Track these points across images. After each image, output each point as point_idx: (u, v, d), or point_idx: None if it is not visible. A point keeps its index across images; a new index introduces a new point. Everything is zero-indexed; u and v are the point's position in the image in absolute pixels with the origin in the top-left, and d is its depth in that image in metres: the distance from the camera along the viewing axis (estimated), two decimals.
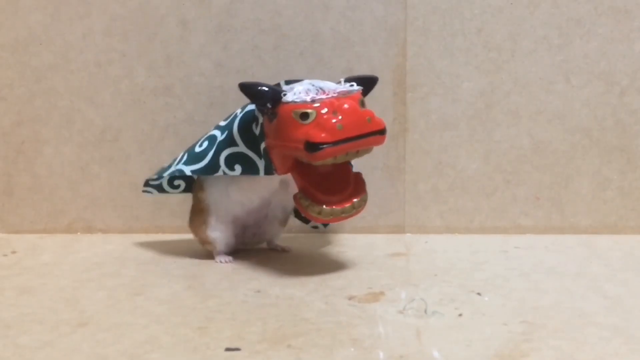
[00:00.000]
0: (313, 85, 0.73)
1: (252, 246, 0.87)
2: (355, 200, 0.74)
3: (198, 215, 0.84)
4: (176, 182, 0.86)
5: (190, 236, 0.92)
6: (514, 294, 0.71)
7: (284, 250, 0.87)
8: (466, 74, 0.91)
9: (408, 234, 0.93)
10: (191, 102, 0.92)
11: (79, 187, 0.94)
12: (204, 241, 0.84)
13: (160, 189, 0.87)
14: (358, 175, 0.77)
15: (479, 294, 0.71)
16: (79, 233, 0.95)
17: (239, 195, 0.81)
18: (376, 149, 0.90)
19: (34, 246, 0.90)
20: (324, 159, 0.70)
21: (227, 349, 0.60)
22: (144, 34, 0.92)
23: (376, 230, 0.93)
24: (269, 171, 0.76)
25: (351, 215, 0.75)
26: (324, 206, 0.73)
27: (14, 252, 0.88)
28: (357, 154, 0.73)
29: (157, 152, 0.93)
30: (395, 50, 0.91)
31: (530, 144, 0.91)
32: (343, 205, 0.74)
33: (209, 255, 0.85)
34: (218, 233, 0.82)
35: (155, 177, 0.85)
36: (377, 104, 0.91)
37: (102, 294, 0.73)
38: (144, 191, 0.88)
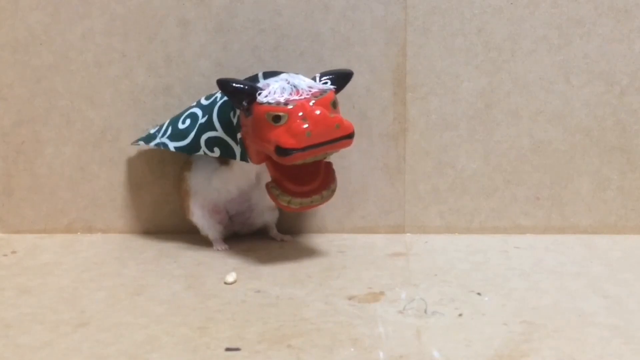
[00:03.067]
0: (288, 83, 0.76)
1: (246, 233, 0.90)
2: (324, 192, 0.78)
3: (183, 197, 0.88)
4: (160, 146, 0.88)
5: (190, 236, 0.92)
6: (514, 294, 0.71)
7: (282, 240, 0.89)
8: (466, 74, 0.91)
9: (408, 234, 0.93)
10: (191, 102, 0.92)
11: (79, 187, 0.94)
12: (192, 223, 0.88)
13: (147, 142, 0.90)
14: (329, 165, 0.79)
15: (479, 294, 0.72)
16: (79, 233, 0.95)
17: (219, 184, 0.85)
18: (376, 149, 0.91)
19: (34, 246, 0.90)
20: (293, 162, 0.74)
21: (227, 349, 0.60)
22: (144, 34, 0.92)
23: (376, 230, 0.93)
24: (244, 157, 0.79)
25: (319, 204, 0.78)
26: (294, 198, 0.77)
27: (14, 252, 0.88)
28: (325, 154, 0.76)
29: (157, 152, 0.93)
30: (395, 50, 0.91)
31: (530, 144, 0.91)
32: (311, 197, 0.77)
33: (209, 255, 0.85)
34: (199, 219, 0.87)
35: (141, 142, 0.89)
36: (377, 104, 0.91)
37: (102, 294, 0.73)
38: (132, 144, 0.91)
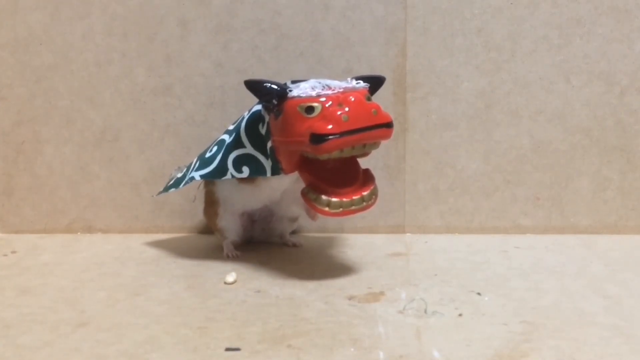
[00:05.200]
0: (319, 83, 0.73)
1: (263, 240, 0.89)
2: (364, 193, 0.73)
3: (210, 205, 0.86)
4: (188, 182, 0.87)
5: (190, 236, 0.92)
6: (514, 294, 0.71)
7: (294, 245, 0.88)
8: (466, 74, 0.91)
9: (408, 234, 0.93)
10: (191, 102, 0.92)
11: (79, 187, 0.94)
12: (216, 229, 0.86)
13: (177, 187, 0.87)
14: (367, 170, 0.76)
15: (479, 294, 0.71)
16: (79, 233, 0.95)
17: (243, 197, 0.83)
18: (376, 149, 0.91)
19: (34, 246, 0.90)
20: (330, 151, 0.70)
21: (227, 349, 0.60)
22: (144, 34, 0.92)
23: (376, 230, 0.93)
24: (275, 171, 0.76)
25: (362, 209, 0.73)
26: (333, 198, 0.72)
27: (14, 252, 0.88)
28: (364, 148, 0.72)
29: (157, 152, 0.93)
30: (395, 50, 0.91)
31: (530, 144, 0.91)
32: (351, 197, 0.72)
33: (209, 255, 0.85)
34: (227, 223, 0.85)
35: (172, 189, 0.85)
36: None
37: (102, 294, 0.73)
38: (158, 195, 0.90)
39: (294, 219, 0.88)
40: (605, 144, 0.91)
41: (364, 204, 0.73)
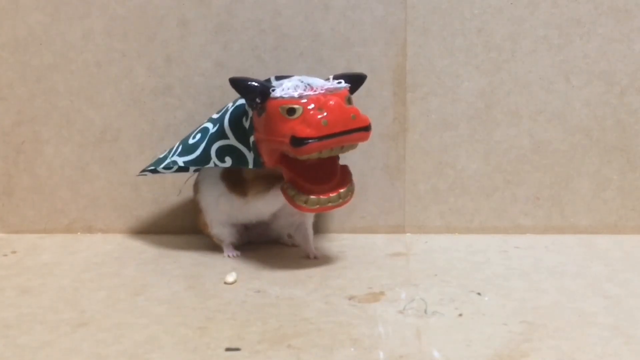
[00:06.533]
0: (302, 82, 0.75)
1: (261, 242, 0.89)
2: (341, 190, 0.76)
3: (199, 213, 0.87)
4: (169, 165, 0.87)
5: (190, 236, 0.92)
6: (514, 294, 0.71)
7: (294, 245, 0.88)
8: (466, 74, 0.91)
9: (408, 234, 0.93)
10: (191, 102, 0.92)
11: (79, 187, 0.94)
12: (211, 236, 0.86)
13: (154, 171, 0.88)
14: (345, 167, 0.79)
15: (479, 294, 0.72)
16: (79, 233, 0.95)
17: (226, 208, 0.83)
18: (376, 149, 0.91)
19: (34, 246, 0.90)
20: (309, 153, 0.73)
21: (227, 349, 0.60)
22: (144, 34, 0.92)
23: (376, 230, 0.93)
24: (257, 164, 0.77)
25: (337, 205, 0.76)
26: (310, 195, 0.75)
27: (14, 252, 0.88)
28: (342, 149, 0.75)
29: (157, 152, 0.93)
30: (395, 50, 0.91)
31: (530, 144, 0.91)
32: (328, 195, 0.76)
33: (209, 255, 0.85)
34: (219, 230, 0.85)
35: (151, 168, 0.86)
36: (377, 104, 0.91)
37: (102, 294, 0.73)
38: (138, 175, 0.90)
39: (290, 226, 0.87)
40: (605, 144, 0.91)
41: (340, 201, 0.76)
